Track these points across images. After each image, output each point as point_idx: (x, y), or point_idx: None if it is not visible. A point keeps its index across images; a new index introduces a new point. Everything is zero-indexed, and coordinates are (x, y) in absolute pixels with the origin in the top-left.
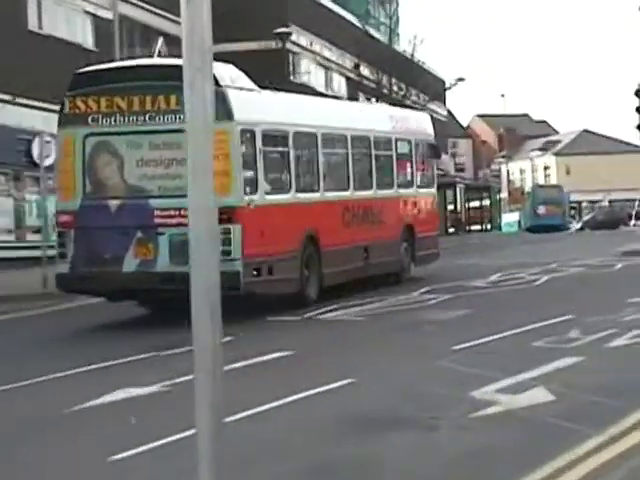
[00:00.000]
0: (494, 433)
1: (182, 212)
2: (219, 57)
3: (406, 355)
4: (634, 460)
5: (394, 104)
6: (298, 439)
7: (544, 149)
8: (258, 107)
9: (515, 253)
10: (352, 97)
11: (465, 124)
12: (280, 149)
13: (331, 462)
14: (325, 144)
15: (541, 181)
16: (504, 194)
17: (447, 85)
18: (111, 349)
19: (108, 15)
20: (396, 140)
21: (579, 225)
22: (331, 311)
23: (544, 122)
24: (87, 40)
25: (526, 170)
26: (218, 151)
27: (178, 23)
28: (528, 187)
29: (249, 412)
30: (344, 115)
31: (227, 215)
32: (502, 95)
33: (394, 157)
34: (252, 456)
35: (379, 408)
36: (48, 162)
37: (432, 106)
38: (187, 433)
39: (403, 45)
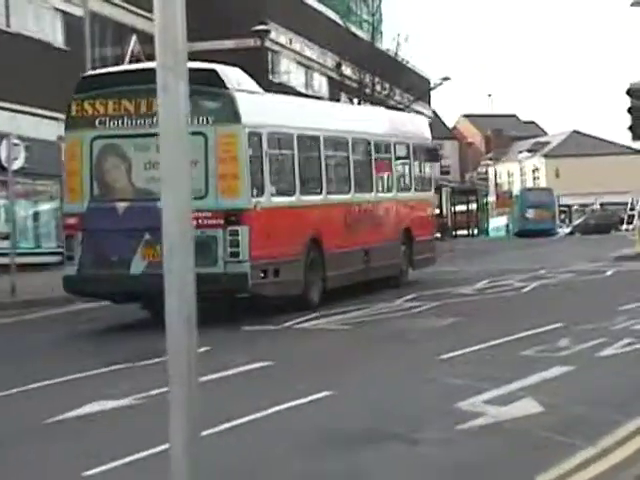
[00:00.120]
0: (481, 446)
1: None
2: (194, 56)
3: (389, 365)
4: (626, 473)
5: (377, 104)
6: (275, 454)
7: (533, 151)
8: (263, 110)
9: (503, 259)
10: (333, 97)
11: (451, 125)
12: (285, 152)
13: (309, 478)
14: (327, 147)
15: (530, 184)
16: (491, 198)
17: (432, 85)
18: (83, 360)
19: (79, 12)
20: (395, 143)
21: (568, 230)
22: (311, 320)
23: (532, 123)
24: (57, 38)
25: (514, 173)
26: (226, 154)
27: (151, 20)
28: (516, 190)
29: (225, 425)
30: (345, 118)
31: (235, 217)
32: (489, 95)
33: (393, 160)
34: (228, 471)
35: (360, 421)
36: (16, 165)
37: (416, 106)
38: (162, 447)
39: (386, 43)
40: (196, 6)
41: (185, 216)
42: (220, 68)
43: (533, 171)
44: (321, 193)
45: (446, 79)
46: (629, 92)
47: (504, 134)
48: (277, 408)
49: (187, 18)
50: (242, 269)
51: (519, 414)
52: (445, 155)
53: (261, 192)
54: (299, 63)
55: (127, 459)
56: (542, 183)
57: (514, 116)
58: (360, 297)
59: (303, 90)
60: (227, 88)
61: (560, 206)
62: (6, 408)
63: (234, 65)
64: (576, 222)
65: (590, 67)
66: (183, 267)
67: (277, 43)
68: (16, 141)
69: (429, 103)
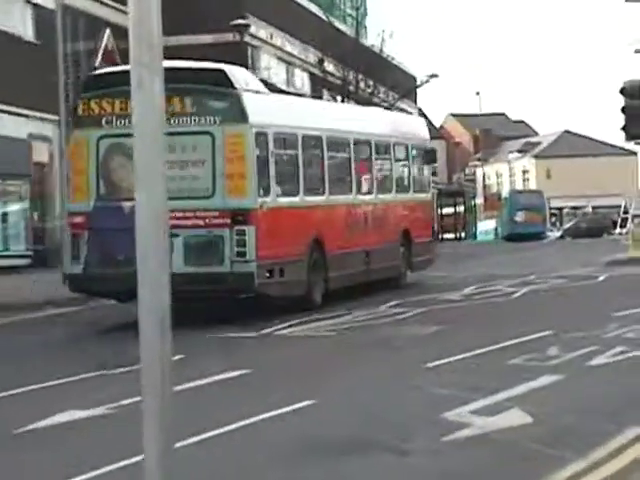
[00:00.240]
0: (468, 458)
1: (197, 214)
2: (170, 52)
3: (373, 374)
4: None
5: (361, 102)
6: (254, 465)
7: (522, 151)
8: (269, 110)
9: (491, 263)
10: (316, 95)
11: (438, 124)
12: (289, 152)
13: None
14: (330, 147)
15: (519, 186)
16: (479, 200)
17: (418, 82)
18: (54, 367)
19: (50, 4)
20: (394, 144)
21: (559, 233)
22: (290, 326)
23: (522, 122)
24: (27, 32)
25: (503, 174)
26: (233, 153)
27: (125, 13)
28: (505, 192)
29: (201, 436)
30: (346, 119)
31: (242, 217)
32: (477, 93)
33: (393, 161)
34: None
35: (343, 431)
36: None
37: (402, 104)
38: (135, 459)
39: (371, 39)
40: None
41: (161, 216)
42: (228, 68)
43: (523, 172)
44: (324, 194)
45: (433, 76)
46: (623, 91)
47: (493, 134)
48: (255, 418)
49: (163, 11)
50: (249, 269)
51: (506, 425)
52: None
53: (267, 192)
54: (280, 59)
55: (97, 472)
56: (532, 185)
57: (503, 115)
58: (343, 302)
59: (284, 87)
60: (235, 88)
61: (551, 209)
62: None
63: (212, 61)
64: (567, 225)
65: (582, 64)
66: (158, 269)
67: (257, 38)
68: None
69: (415, 101)
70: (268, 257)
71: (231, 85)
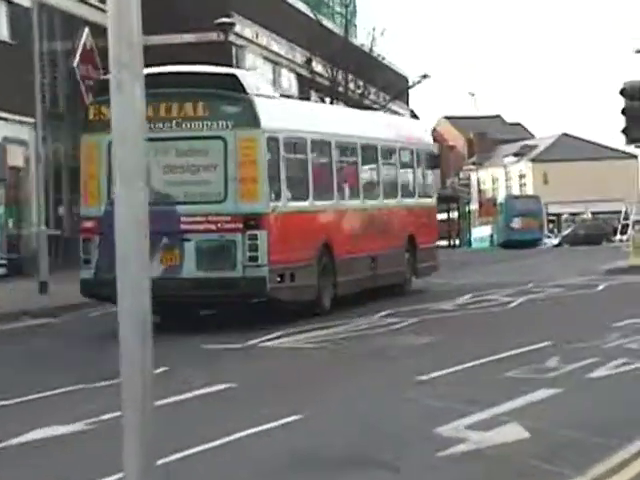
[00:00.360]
0: (463, 473)
1: (209, 218)
2: (152, 51)
3: (365, 386)
4: None
5: (350, 104)
6: None
7: (519, 155)
8: (280, 114)
9: (487, 272)
10: (303, 96)
11: (430, 127)
12: (299, 156)
13: None
14: (338, 152)
15: (516, 191)
16: (474, 205)
17: (410, 83)
18: (33, 381)
19: (26, 2)
20: (400, 149)
21: (556, 241)
22: (277, 338)
23: (519, 125)
24: (2, 31)
25: (499, 178)
26: (246, 158)
27: (104, 11)
28: (501, 198)
29: (184, 453)
30: (353, 123)
31: (254, 221)
32: (472, 94)
33: (398, 166)
34: None
35: (332, 447)
36: None
37: (393, 106)
38: (115, 477)
39: (361, 38)
40: None
41: (141, 220)
42: (240, 73)
43: (519, 177)
44: (333, 198)
45: (425, 77)
46: (623, 92)
47: (488, 137)
48: (241, 434)
49: (144, 9)
50: (261, 273)
51: (503, 440)
52: None
53: (278, 197)
54: (266, 59)
55: None
56: (529, 190)
57: (499, 117)
58: (332, 314)
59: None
60: (247, 93)
61: (548, 215)
62: None
63: (195, 61)
64: (564, 232)
65: (581, 64)
66: (138, 274)
67: (242, 37)
68: None
69: (407, 103)
70: (280, 262)
71: (243, 90)
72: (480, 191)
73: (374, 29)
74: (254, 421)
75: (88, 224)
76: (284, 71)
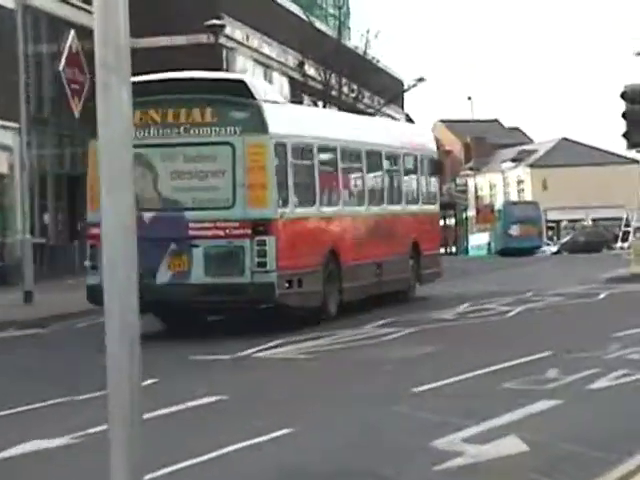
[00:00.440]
0: None
1: (217, 224)
2: (139, 54)
3: (358, 399)
4: None
5: (344, 108)
6: None
7: (517, 160)
8: (287, 120)
9: (485, 280)
10: (295, 100)
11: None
12: (306, 162)
13: None
14: (344, 158)
15: (514, 197)
16: (471, 212)
17: (405, 86)
18: (20, 393)
19: (10, 4)
20: (404, 155)
21: (555, 248)
22: (268, 349)
23: (517, 129)
24: None
25: (497, 184)
26: (254, 164)
27: (91, 13)
28: (499, 204)
29: (172, 467)
30: (359, 129)
31: (263, 227)
32: (469, 98)
33: (402, 172)
34: None
35: (325, 461)
36: None
37: (388, 110)
38: None
39: (354, 40)
40: None
41: (128, 226)
42: (248, 79)
43: (518, 183)
44: (338, 204)
45: (421, 80)
46: (624, 95)
47: (486, 141)
48: (230, 448)
49: (132, 11)
50: (269, 279)
51: (501, 453)
52: None
53: (286, 202)
54: (257, 61)
55: None
56: (527, 196)
57: (496, 121)
58: (326, 323)
59: None
60: (255, 99)
61: (547, 221)
62: None
63: (185, 63)
64: (564, 239)
65: (580, 67)
66: (126, 280)
67: (232, 39)
68: None
69: (402, 107)
70: (288, 267)
71: (251, 96)
72: (477, 197)
73: (368, 31)
74: (244, 435)
75: (95, 230)
76: (276, 74)
